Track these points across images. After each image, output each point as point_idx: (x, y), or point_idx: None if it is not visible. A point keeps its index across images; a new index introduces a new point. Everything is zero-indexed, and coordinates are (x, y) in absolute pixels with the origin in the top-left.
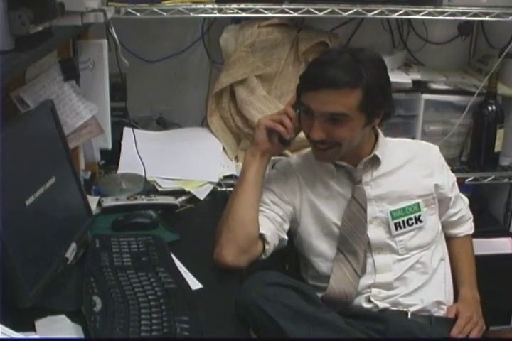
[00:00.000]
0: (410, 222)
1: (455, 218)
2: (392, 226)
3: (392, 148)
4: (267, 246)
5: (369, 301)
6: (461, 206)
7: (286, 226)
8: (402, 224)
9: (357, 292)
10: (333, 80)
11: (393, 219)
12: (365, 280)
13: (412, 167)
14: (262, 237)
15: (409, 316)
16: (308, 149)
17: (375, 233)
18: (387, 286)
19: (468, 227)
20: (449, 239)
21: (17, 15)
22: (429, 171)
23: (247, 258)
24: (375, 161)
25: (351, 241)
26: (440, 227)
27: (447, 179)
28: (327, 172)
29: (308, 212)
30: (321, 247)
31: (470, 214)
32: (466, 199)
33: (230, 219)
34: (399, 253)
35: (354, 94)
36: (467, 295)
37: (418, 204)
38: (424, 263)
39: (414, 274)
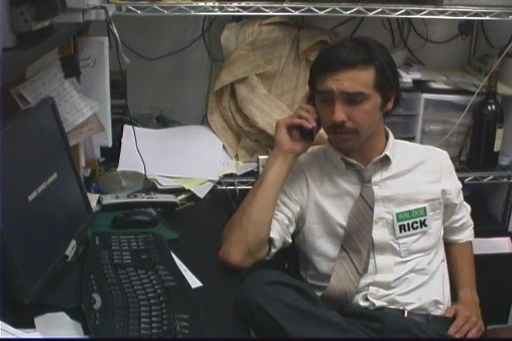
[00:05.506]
0: (415, 226)
1: (457, 224)
2: (397, 228)
3: (402, 151)
4: (273, 250)
5: (366, 299)
6: (464, 213)
7: (292, 229)
8: (407, 227)
9: (357, 291)
10: (347, 59)
11: (399, 221)
12: (364, 280)
13: (422, 171)
14: (270, 241)
15: (405, 314)
16: (318, 147)
17: (379, 233)
18: (386, 285)
19: (469, 234)
20: (450, 245)
21: (19, 12)
22: (438, 176)
23: (252, 260)
24: (386, 161)
25: (356, 240)
26: (442, 232)
27: (454, 185)
28: (336, 170)
29: (314, 211)
30: (324, 247)
31: (471, 222)
32: (468, 207)
33: (244, 219)
34: (401, 255)
35: (368, 71)
36: (467, 297)
37: (425, 208)
38: (425, 267)
39: (415, 275)
